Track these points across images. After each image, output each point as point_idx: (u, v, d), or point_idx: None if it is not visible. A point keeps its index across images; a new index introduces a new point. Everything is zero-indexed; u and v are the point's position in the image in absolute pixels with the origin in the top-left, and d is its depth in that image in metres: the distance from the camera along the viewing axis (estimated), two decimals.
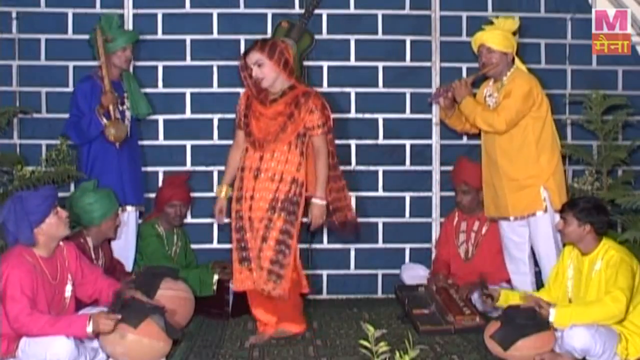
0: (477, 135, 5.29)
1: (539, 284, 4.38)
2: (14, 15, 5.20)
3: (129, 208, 4.65)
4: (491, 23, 4.44)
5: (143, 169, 5.23)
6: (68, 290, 3.55)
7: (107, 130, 4.51)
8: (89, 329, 3.30)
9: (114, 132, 4.53)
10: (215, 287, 4.65)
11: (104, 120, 4.52)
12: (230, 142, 5.18)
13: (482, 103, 4.40)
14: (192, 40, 5.31)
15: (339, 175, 4.19)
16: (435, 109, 5.36)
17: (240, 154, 4.14)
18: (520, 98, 4.21)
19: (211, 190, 5.27)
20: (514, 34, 4.43)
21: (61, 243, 3.56)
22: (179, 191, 4.88)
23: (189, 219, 5.18)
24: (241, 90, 5.20)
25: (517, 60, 4.42)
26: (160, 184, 5.20)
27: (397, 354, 2.61)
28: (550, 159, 4.29)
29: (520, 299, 3.85)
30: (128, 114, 4.71)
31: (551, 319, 3.57)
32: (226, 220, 4.26)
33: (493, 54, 4.32)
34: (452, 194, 5.25)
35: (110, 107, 4.52)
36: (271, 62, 3.94)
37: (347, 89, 5.37)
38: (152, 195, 5.08)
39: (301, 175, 4.02)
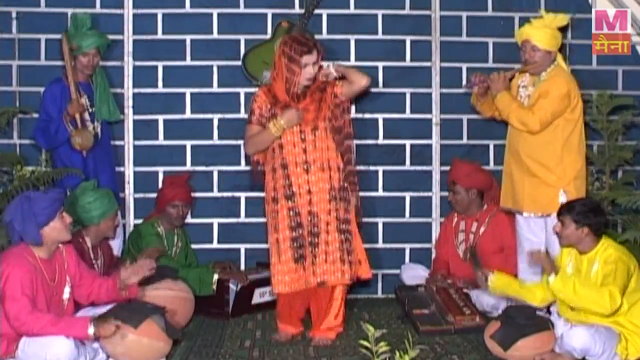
0: (478, 136, 5.31)
1: None
2: (14, 15, 5.20)
3: None
4: (540, 16, 4.30)
5: (143, 169, 5.24)
6: (66, 292, 3.55)
7: (73, 140, 4.49)
8: (90, 331, 3.30)
9: (80, 140, 4.51)
10: (215, 287, 4.65)
11: (70, 128, 4.49)
12: (230, 142, 5.24)
13: (517, 100, 4.29)
14: (192, 40, 5.31)
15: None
16: (435, 109, 5.36)
17: None
18: (557, 99, 4.12)
19: (211, 190, 5.27)
20: (562, 30, 4.31)
21: (60, 245, 3.56)
22: (181, 191, 4.87)
23: (189, 219, 5.18)
24: (241, 90, 5.26)
25: (559, 57, 4.31)
26: (160, 184, 5.20)
27: (397, 354, 2.61)
28: (574, 163, 4.21)
29: (510, 282, 3.90)
30: (98, 116, 4.68)
31: (550, 279, 3.57)
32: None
33: (537, 52, 4.20)
34: None
35: (77, 116, 4.50)
36: (320, 63, 4.06)
37: None
38: (152, 195, 5.08)
39: (340, 161, 4.12)
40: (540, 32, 4.21)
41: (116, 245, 4.59)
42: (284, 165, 4.03)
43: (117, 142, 5.17)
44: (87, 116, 4.59)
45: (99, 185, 4.37)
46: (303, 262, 4.01)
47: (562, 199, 4.15)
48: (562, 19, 4.28)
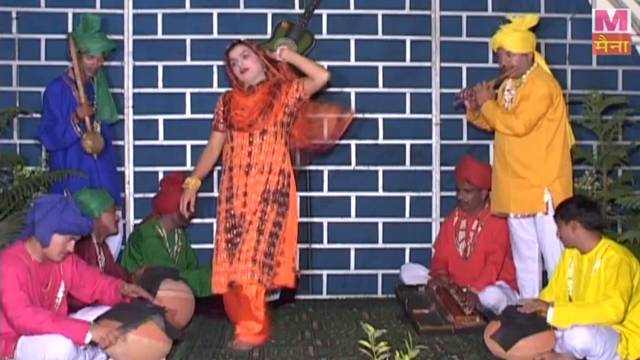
0: (478, 136, 5.31)
1: (545, 284, 4.37)
2: (14, 15, 5.21)
3: None
4: (509, 22, 4.32)
5: (143, 169, 5.24)
6: (59, 297, 3.54)
7: (84, 143, 4.47)
8: (88, 338, 3.28)
9: (91, 144, 4.48)
10: None
11: (79, 130, 4.48)
12: None
13: (502, 106, 4.34)
14: (192, 40, 5.32)
15: None
16: (435, 109, 5.37)
17: (214, 156, 4.21)
18: (538, 100, 4.16)
19: (211, 190, 5.27)
20: (533, 29, 4.33)
21: None
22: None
23: None
24: None
25: (537, 57, 4.35)
26: (160, 184, 5.21)
27: (397, 354, 2.61)
28: (558, 162, 4.23)
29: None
30: (97, 117, 4.65)
31: (549, 318, 3.57)
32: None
33: (512, 56, 4.24)
34: (452, 194, 5.24)
35: (86, 119, 4.48)
36: (255, 54, 4.05)
37: (347, 89, 5.37)
38: (153, 195, 5.08)
39: (287, 166, 4.08)
40: (511, 37, 4.24)
41: (117, 242, 4.58)
42: (230, 168, 4.08)
43: (118, 142, 5.17)
44: (96, 125, 4.57)
45: (106, 186, 4.42)
46: (231, 263, 4.00)
47: (547, 197, 4.19)
48: (531, 19, 4.31)
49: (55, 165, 4.61)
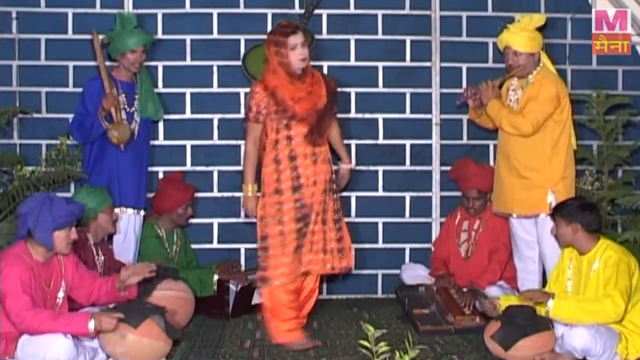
0: (478, 136, 5.31)
1: (544, 284, 4.37)
2: (14, 15, 5.21)
3: (128, 210, 4.54)
4: (517, 21, 4.32)
5: None
6: (60, 297, 3.55)
7: (110, 133, 4.43)
8: (91, 326, 3.30)
9: (117, 134, 4.46)
10: (215, 288, 4.65)
11: (106, 123, 4.46)
12: (230, 142, 5.25)
13: (508, 106, 4.33)
14: (192, 40, 5.31)
15: None
16: (435, 109, 5.37)
17: (259, 150, 4.08)
18: (547, 101, 4.15)
19: (211, 190, 5.28)
20: (540, 29, 4.33)
21: None
22: (188, 193, 4.90)
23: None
24: (241, 90, 5.25)
25: (543, 58, 4.35)
26: (158, 184, 5.20)
27: (397, 354, 2.61)
28: (563, 163, 4.23)
29: (518, 300, 3.85)
30: (137, 115, 4.62)
31: (549, 307, 3.58)
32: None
33: (520, 56, 4.23)
34: (452, 193, 5.24)
35: (112, 110, 4.45)
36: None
37: (347, 89, 5.36)
38: (152, 195, 5.07)
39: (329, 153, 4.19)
40: (519, 36, 4.23)
41: (119, 240, 4.57)
42: (292, 157, 4.01)
43: None
44: (123, 114, 4.52)
45: (126, 184, 4.44)
46: (300, 252, 4.02)
47: (551, 198, 4.19)
48: (539, 19, 4.30)
49: (84, 158, 4.61)
